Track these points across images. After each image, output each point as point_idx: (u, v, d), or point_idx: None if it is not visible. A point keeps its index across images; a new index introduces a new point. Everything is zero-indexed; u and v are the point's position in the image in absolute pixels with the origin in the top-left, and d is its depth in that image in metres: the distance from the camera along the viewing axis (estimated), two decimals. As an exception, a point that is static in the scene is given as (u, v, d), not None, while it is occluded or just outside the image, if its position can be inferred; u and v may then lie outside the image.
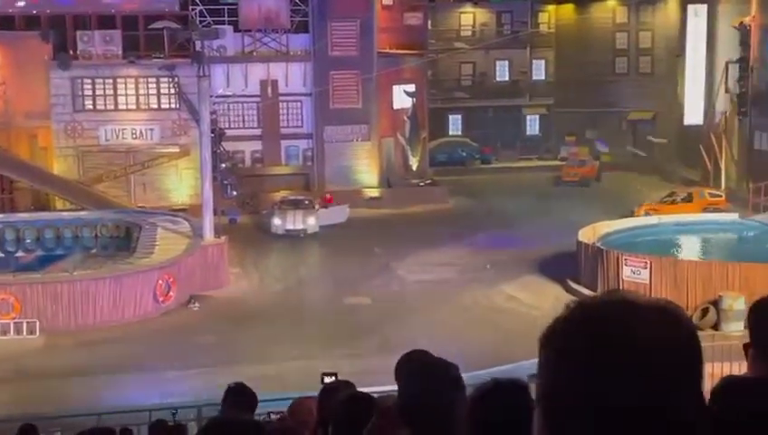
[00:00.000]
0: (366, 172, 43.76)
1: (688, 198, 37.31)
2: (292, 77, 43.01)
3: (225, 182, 34.98)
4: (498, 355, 19.29)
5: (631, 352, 1.50)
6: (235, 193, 37.95)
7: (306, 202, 36.92)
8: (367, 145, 43.73)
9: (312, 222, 35.36)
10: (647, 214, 34.37)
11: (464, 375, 3.34)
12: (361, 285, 28.65)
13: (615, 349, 1.51)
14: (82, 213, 35.69)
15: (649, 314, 1.55)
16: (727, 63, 43.12)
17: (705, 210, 35.60)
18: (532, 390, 2.46)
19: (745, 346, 2.94)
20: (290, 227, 35.12)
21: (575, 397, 1.51)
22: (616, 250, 26.59)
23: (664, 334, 1.53)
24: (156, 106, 41.17)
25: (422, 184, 44.42)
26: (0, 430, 13.86)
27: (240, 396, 6.00)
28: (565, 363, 1.53)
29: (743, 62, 41.83)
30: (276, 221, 35.45)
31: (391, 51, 44.05)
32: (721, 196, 38.76)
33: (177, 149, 40.75)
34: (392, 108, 44.55)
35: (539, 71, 56.85)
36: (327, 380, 6.93)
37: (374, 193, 42.82)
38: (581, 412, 1.51)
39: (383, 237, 34.48)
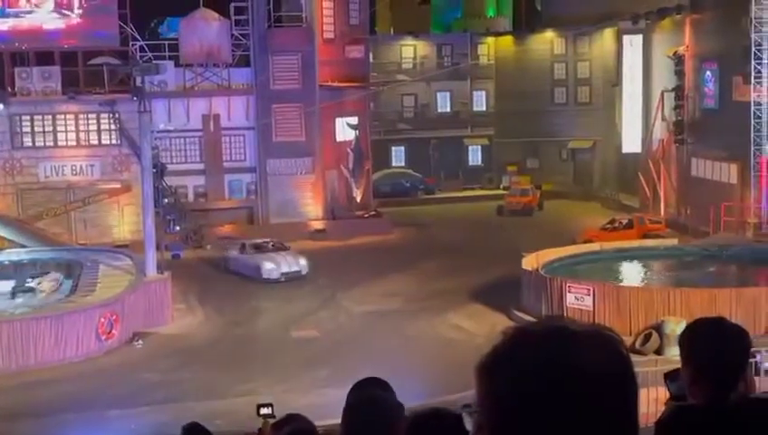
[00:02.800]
0: (310, 204, 43.76)
1: (629, 225, 38.02)
2: (235, 111, 42.97)
3: (168, 217, 34.76)
4: (443, 385, 19.35)
5: (566, 378, 1.53)
6: (177, 228, 37.74)
7: (272, 244, 35.35)
8: (311, 177, 43.75)
9: (303, 262, 33.97)
10: (588, 241, 34.92)
11: (407, 405, 3.40)
12: (308, 317, 28.58)
13: (549, 375, 1.53)
14: (23, 251, 35.03)
15: (584, 340, 1.59)
16: (663, 92, 44.22)
17: (645, 236, 36.30)
18: (466, 419, 2.53)
19: (667, 375, 2.98)
20: (286, 269, 33.46)
21: (512, 425, 1.53)
22: (559, 277, 26.91)
23: (598, 359, 1.57)
24: (96, 142, 40.75)
25: (366, 215, 44.55)
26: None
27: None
28: (501, 390, 1.56)
29: (678, 90, 42.93)
30: (268, 265, 33.51)
31: (333, 84, 44.30)
32: (660, 222, 39.63)
33: (118, 185, 40.33)
34: (335, 140, 44.71)
35: (480, 101, 57.60)
36: (263, 410, 6.90)
37: (319, 225, 42.81)
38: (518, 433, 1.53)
39: (329, 269, 34.45)
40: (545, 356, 1.54)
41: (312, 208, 43.67)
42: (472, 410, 1.66)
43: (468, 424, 2.41)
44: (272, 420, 6.35)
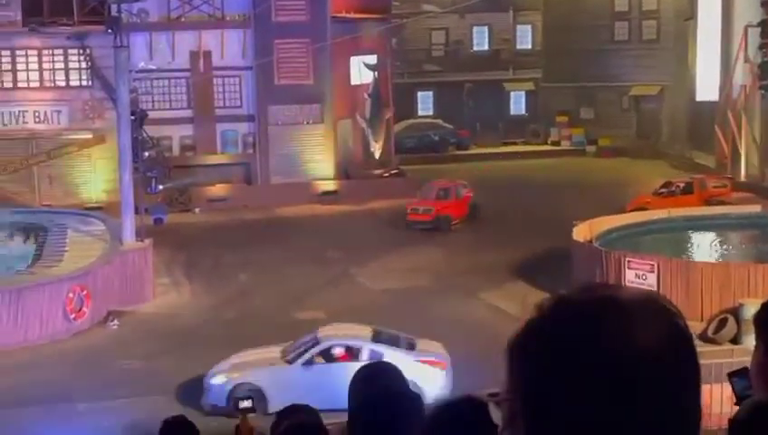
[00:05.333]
0: (319, 161, 43.75)
1: (688, 189, 37.68)
2: (229, 47, 42.88)
3: (149, 174, 34.76)
4: (474, 376, 19.38)
5: (615, 357, 1.53)
6: (160, 187, 37.71)
7: None
8: (319, 128, 43.71)
9: None
10: (640, 209, 34.68)
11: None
12: (315, 296, 28.67)
13: (595, 355, 1.54)
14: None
15: (636, 311, 1.58)
16: (746, 27, 43.69)
17: (707, 203, 36.05)
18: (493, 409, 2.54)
19: (732, 374, 2.94)
20: None
21: (551, 414, 1.55)
22: (617, 251, 26.83)
23: (652, 334, 1.57)
24: (64, 83, 40.84)
25: (386, 175, 44.51)
26: None
27: (180, 432, 5.96)
28: (537, 374, 1.57)
29: (765, 25, 42.40)
30: None
31: (348, 15, 44.08)
32: (726, 185, 39.11)
33: (89, 136, 40.47)
34: (350, 84, 44.59)
35: (524, 38, 57.22)
36: (243, 404, 7.05)
37: (329, 186, 42.83)
38: (562, 423, 1.54)
39: (340, 239, 34.49)
40: (590, 331, 1.55)
41: (320, 166, 43.68)
42: (501, 398, 1.65)
43: (496, 415, 2.45)
44: (252, 415, 6.43)
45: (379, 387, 3.66)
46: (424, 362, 20.36)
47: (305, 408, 5.06)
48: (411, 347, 21.18)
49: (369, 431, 3.51)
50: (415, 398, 3.66)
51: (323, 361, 20.55)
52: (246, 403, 6.57)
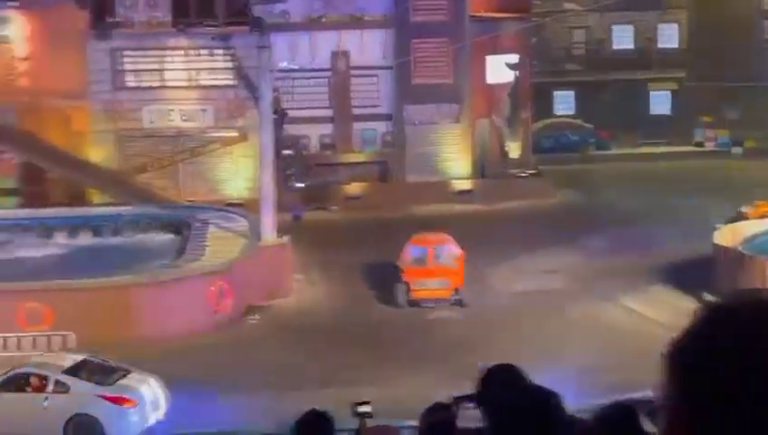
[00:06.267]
0: (455, 160, 43.80)
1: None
2: (368, 47, 43.28)
3: (289, 172, 35.51)
4: (612, 381, 19.19)
5: None
6: (300, 185, 38.44)
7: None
8: (456, 128, 43.75)
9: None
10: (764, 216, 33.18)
11: (572, 405, 3.49)
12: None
13: (762, 362, 1.52)
14: (123, 208, 36.56)
15: None
16: None
17: None
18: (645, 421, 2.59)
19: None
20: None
21: (715, 426, 1.54)
22: (764, 256, 26.14)
23: None
24: (209, 83, 41.86)
25: (523, 174, 44.25)
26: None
27: (318, 425, 6.08)
28: (699, 383, 1.56)
29: None
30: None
31: (487, 14, 43.98)
32: None
33: (232, 134, 41.36)
34: (487, 83, 44.47)
35: (669, 37, 56.04)
36: (361, 409, 7.10)
37: (464, 185, 42.82)
38: (729, 428, 1.53)
39: (474, 238, 34.47)
40: (750, 336, 1.53)
41: (456, 165, 43.71)
42: (656, 408, 1.69)
43: (648, 426, 2.44)
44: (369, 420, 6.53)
45: (519, 388, 3.71)
46: (107, 397, 19.65)
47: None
48: (108, 381, 20.22)
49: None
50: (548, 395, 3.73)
51: (13, 389, 19.84)
52: (365, 408, 6.63)
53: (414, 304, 27.66)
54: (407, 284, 27.78)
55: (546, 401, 3.67)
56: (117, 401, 19.69)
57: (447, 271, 28.01)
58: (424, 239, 29.32)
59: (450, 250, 28.60)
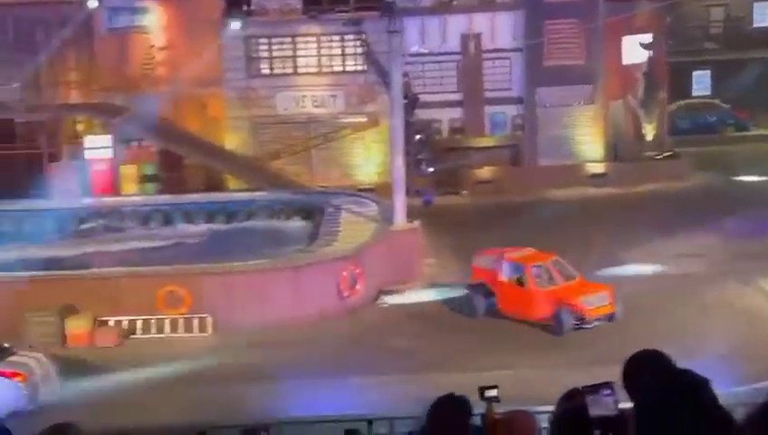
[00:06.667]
0: (588, 143, 43.22)
1: None
2: (499, 29, 43.01)
3: (420, 157, 35.58)
4: (755, 369, 18.72)
5: None
6: (430, 170, 38.50)
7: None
8: (590, 110, 43.14)
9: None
10: None
11: (722, 391, 3.43)
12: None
13: None
14: (257, 194, 37.28)
15: None
16: None
17: None
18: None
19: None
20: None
21: None
22: None
23: None
24: (340, 68, 42.28)
25: (659, 157, 43.37)
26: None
27: (453, 409, 6.07)
28: None
29: None
30: None
31: (621, -6, 43.14)
32: None
33: (364, 119, 41.68)
34: (622, 64, 43.68)
35: (813, 12, 53.97)
36: (488, 393, 7.05)
37: (598, 168, 42.23)
38: None
39: (609, 222, 33.96)
40: None
41: (590, 148, 43.12)
42: None
43: None
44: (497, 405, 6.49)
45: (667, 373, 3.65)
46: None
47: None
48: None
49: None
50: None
51: None
52: (492, 392, 6.60)
53: (579, 326, 24.45)
54: (570, 306, 24.46)
55: (696, 385, 3.61)
56: (7, 375, 21.20)
57: (596, 285, 25.60)
58: (528, 257, 26.06)
59: (562, 262, 26.16)
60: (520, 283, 25.46)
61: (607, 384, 4.42)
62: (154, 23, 43.29)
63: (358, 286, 27.61)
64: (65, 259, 31.48)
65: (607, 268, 29.23)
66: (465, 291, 26.50)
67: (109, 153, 40.02)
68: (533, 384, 19.74)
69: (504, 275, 25.78)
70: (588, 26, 41.83)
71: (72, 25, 42.44)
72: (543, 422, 5.31)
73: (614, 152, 43.14)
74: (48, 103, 41.78)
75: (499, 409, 6.43)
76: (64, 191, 38.40)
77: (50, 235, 34.87)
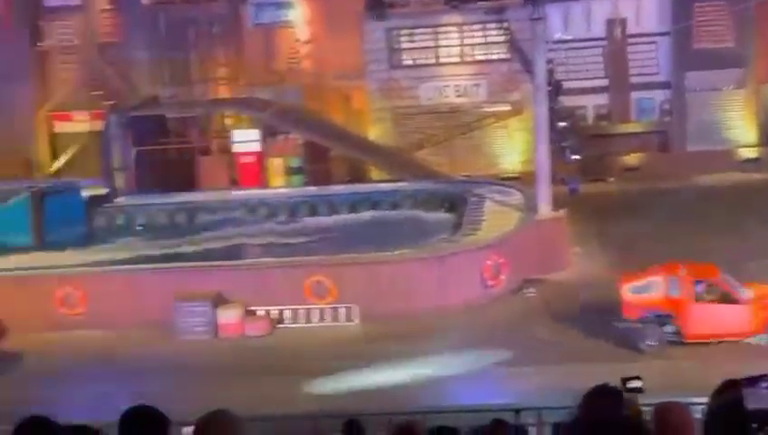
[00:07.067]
0: (739, 127, 42.06)
1: None
2: (645, 13, 42.18)
3: (564, 145, 35.17)
4: None
5: None
6: (575, 157, 38.03)
7: None
8: (740, 93, 41.94)
9: None
10: None
11: None
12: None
13: None
14: (401, 184, 37.51)
15: None
16: None
17: None
18: None
19: None
20: None
21: None
22: None
23: None
24: (482, 57, 42.15)
25: (816, 141, 41.87)
26: (323, 425, 15.12)
27: (608, 399, 6.01)
28: None
29: None
30: None
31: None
32: None
33: (507, 108, 41.46)
34: (774, 45, 42.31)
35: None
36: (631, 384, 6.91)
37: (750, 153, 41.02)
38: None
39: (763, 210, 32.87)
40: None
41: (741, 132, 41.93)
42: None
43: None
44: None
45: None
46: None
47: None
48: None
49: None
50: None
51: None
52: (635, 383, 6.49)
53: None
54: None
55: None
56: None
57: None
58: (707, 271, 22.97)
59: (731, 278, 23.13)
60: (727, 299, 22.23)
61: (766, 377, 4.30)
62: (298, 17, 44.02)
63: (502, 276, 27.49)
64: (214, 250, 32.32)
65: (761, 257, 28.29)
66: (619, 326, 22.80)
67: (256, 146, 40.89)
68: (686, 374, 19.39)
69: (694, 296, 22.30)
70: (738, 8, 40.59)
71: (221, 23, 43.56)
72: (696, 413, 5.19)
73: (767, 137, 41.85)
74: (198, 99, 42.96)
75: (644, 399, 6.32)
76: (213, 184, 39.52)
77: (199, 227, 35.91)
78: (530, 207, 31.03)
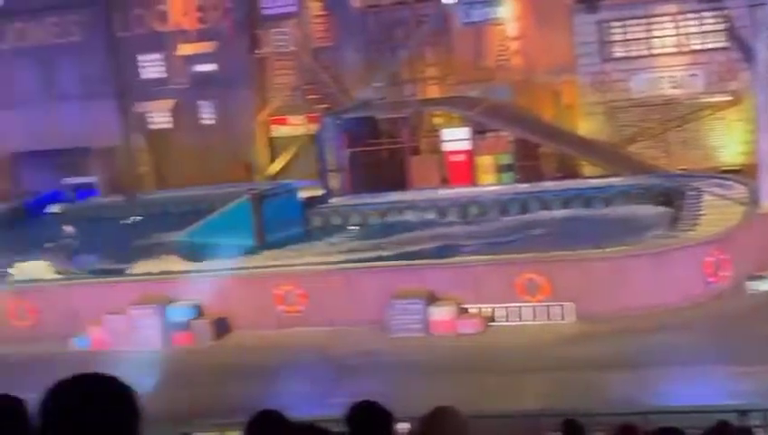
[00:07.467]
0: None
1: None
2: None
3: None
4: None
5: None
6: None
7: None
8: None
9: None
10: None
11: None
12: None
13: None
14: (614, 179, 36.81)
15: None
16: None
17: None
18: None
19: None
20: None
21: None
22: None
23: None
24: (699, 47, 40.76)
25: None
26: (542, 423, 15.01)
27: None
28: None
29: None
30: None
31: None
32: None
33: (726, 98, 39.98)
34: None
35: None
36: None
37: None
38: None
39: None
40: None
41: None
42: None
43: None
44: None
45: None
46: None
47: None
48: None
49: None
50: None
51: None
52: None
53: None
54: None
55: None
56: None
57: None
58: None
59: None
60: None
61: None
62: (508, 14, 43.89)
63: (724, 272, 26.54)
64: (425, 249, 32.63)
65: None
66: None
67: (466, 145, 41.00)
68: None
69: None
70: None
71: (430, 23, 43.98)
72: None
73: None
74: (408, 99, 43.48)
75: None
76: (424, 184, 39.91)
77: (410, 226, 36.35)
78: (753, 200, 29.83)
